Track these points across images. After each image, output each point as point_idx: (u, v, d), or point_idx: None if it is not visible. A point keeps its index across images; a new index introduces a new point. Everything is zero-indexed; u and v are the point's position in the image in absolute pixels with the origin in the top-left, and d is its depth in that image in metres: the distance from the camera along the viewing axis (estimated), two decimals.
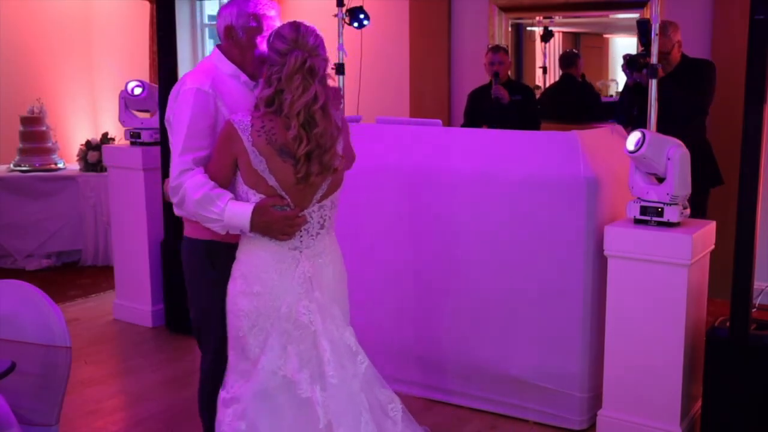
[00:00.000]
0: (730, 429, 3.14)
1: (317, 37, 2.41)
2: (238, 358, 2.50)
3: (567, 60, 5.99)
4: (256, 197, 2.40)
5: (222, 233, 2.47)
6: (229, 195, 2.42)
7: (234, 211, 2.39)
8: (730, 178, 4.00)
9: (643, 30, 3.61)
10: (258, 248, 2.45)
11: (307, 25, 2.43)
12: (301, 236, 2.45)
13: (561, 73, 6.00)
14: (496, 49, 5.36)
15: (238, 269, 2.49)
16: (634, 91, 4.13)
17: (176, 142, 2.52)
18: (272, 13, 2.65)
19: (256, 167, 2.37)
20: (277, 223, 2.39)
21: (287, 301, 2.43)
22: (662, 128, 3.41)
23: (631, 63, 3.92)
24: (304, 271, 2.45)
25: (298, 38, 2.37)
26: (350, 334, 2.53)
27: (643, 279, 3.19)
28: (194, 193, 2.42)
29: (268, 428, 2.43)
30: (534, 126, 5.19)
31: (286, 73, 2.34)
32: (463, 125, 5.44)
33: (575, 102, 5.89)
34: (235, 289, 2.48)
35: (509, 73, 5.45)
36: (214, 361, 2.66)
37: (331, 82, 2.47)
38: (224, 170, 2.44)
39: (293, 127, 2.32)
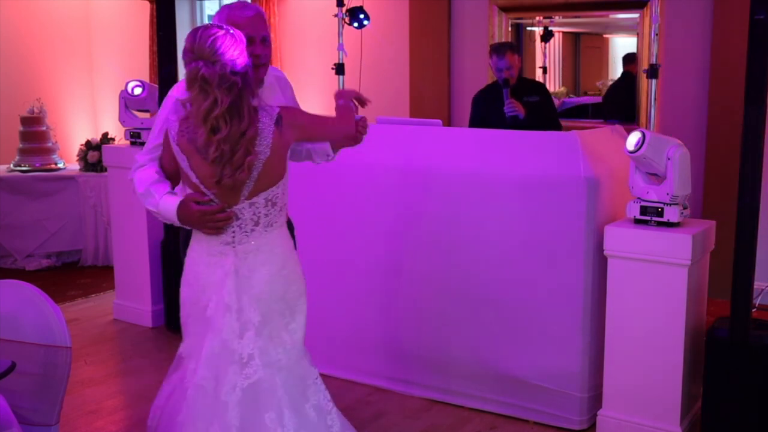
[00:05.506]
0: (730, 429, 3.14)
1: (215, 39, 2.31)
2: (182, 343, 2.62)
3: (630, 56, 5.59)
4: (187, 191, 2.50)
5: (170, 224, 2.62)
6: (165, 189, 2.54)
7: (165, 205, 2.52)
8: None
9: None
10: (195, 241, 2.56)
11: (207, 28, 2.35)
12: (233, 232, 2.46)
13: (622, 71, 5.73)
14: (500, 50, 4.45)
15: (186, 260, 2.60)
16: None
17: (147, 142, 2.70)
18: (249, 14, 2.66)
19: (181, 164, 2.45)
20: (193, 217, 2.45)
21: (209, 294, 2.49)
22: None
23: None
24: (229, 267, 2.45)
25: (194, 47, 2.33)
26: (249, 343, 2.43)
27: (643, 279, 3.19)
28: (139, 187, 2.59)
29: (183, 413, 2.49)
30: (555, 128, 4.42)
31: (187, 83, 2.37)
32: None
33: (632, 101, 5.48)
34: (181, 278, 2.59)
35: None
36: None
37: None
38: (170, 165, 2.55)
39: (200, 135, 2.34)
